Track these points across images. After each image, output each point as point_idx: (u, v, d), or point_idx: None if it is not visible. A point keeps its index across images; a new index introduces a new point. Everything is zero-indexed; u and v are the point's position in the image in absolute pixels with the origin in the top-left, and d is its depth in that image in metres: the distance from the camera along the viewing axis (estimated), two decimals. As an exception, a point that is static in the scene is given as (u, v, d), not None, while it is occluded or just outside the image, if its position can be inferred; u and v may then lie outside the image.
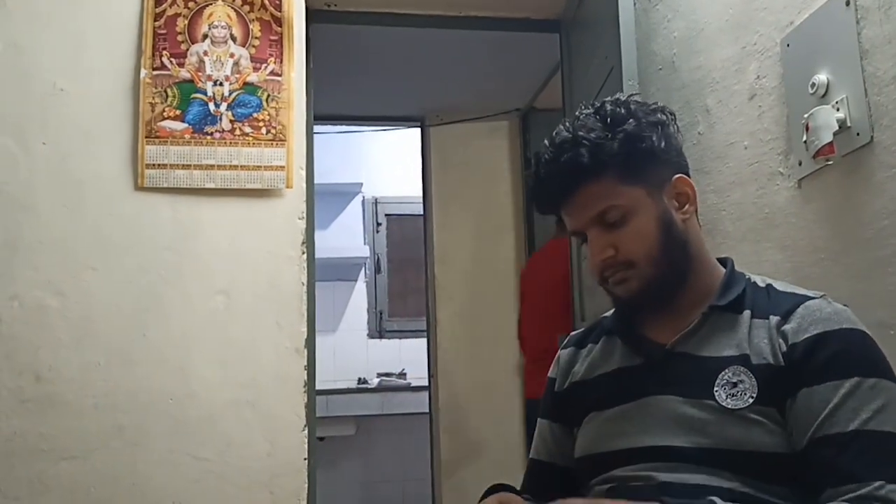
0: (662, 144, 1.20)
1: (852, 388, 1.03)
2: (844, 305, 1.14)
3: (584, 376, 1.30)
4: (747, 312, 1.16)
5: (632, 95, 1.24)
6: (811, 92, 1.60)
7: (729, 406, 1.08)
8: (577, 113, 1.22)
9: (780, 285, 1.20)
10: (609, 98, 1.22)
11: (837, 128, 1.52)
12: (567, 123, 1.20)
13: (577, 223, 1.21)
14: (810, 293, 1.15)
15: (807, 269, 1.67)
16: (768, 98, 1.81)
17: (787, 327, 1.10)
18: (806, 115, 1.59)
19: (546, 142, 1.21)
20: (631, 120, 1.18)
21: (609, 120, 1.18)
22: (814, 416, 1.03)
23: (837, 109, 1.53)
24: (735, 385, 1.09)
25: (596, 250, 1.19)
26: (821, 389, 1.04)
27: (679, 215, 1.21)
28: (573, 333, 1.41)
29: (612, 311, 1.33)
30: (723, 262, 1.27)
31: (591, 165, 1.15)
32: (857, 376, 1.03)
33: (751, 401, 1.08)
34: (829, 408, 1.03)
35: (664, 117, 1.22)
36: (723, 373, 1.11)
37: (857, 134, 1.50)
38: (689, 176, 1.25)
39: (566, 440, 1.31)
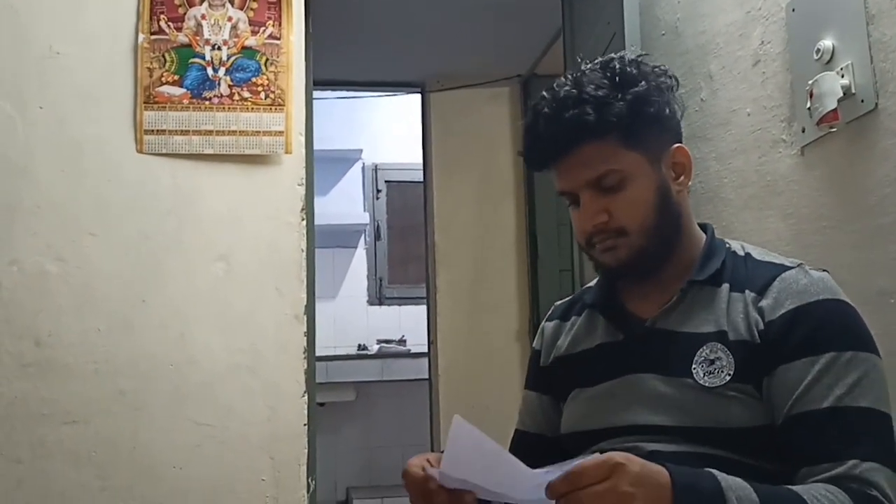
0: (667, 111, 1.16)
1: (828, 364, 1.02)
2: (823, 270, 1.12)
3: (567, 351, 1.29)
4: (726, 286, 1.14)
5: (640, 55, 1.19)
6: (816, 58, 1.58)
7: (706, 384, 1.08)
8: (582, 68, 1.16)
9: (757, 253, 1.18)
10: (616, 55, 1.17)
11: (842, 94, 1.51)
12: (571, 77, 1.14)
13: (570, 184, 1.16)
14: (787, 262, 1.14)
15: (809, 236, 1.66)
16: (772, 64, 1.79)
17: (763, 303, 1.09)
18: (810, 82, 1.58)
19: (546, 95, 1.15)
20: (642, 82, 1.13)
21: (618, 79, 1.12)
22: (789, 393, 1.03)
23: (842, 76, 1.52)
24: (712, 363, 1.09)
25: (588, 214, 1.15)
26: (797, 366, 1.04)
27: (675, 186, 1.17)
28: (557, 304, 1.39)
29: (595, 281, 1.30)
30: (703, 227, 1.24)
31: (596, 125, 1.10)
32: (833, 351, 1.02)
33: (728, 378, 1.07)
34: (804, 385, 1.02)
35: (670, 82, 1.17)
36: (700, 350, 1.10)
37: (862, 101, 1.48)
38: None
39: (555, 413, 1.30)
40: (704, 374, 1.08)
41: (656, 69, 1.18)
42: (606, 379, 1.19)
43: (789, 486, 0.98)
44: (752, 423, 1.05)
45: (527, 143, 1.18)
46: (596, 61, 1.17)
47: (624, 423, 1.14)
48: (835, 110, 1.52)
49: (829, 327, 1.05)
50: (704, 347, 1.10)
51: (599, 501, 0.86)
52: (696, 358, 1.10)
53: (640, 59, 1.17)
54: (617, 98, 1.11)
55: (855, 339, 1.05)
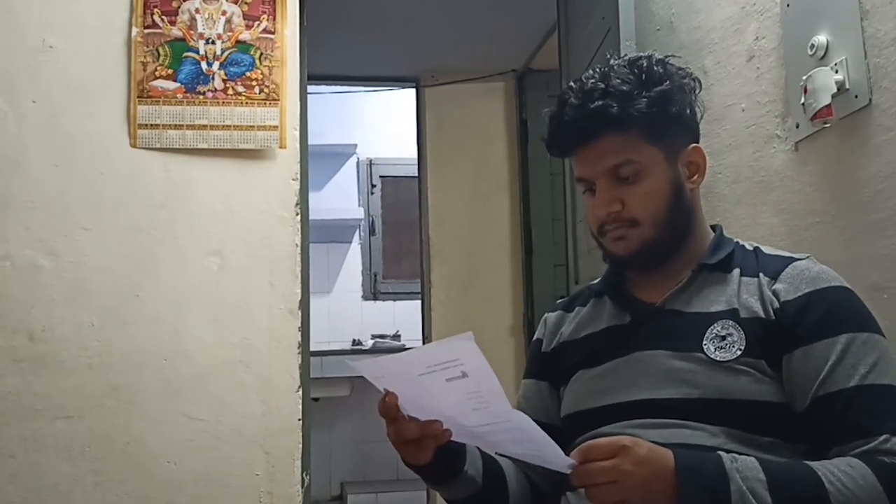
0: (687, 111, 1.22)
1: (847, 344, 1.06)
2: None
3: (571, 336, 1.31)
4: (736, 271, 1.18)
5: (667, 56, 1.24)
6: (810, 53, 1.58)
7: (717, 358, 1.11)
8: (610, 63, 1.22)
9: (767, 249, 1.23)
10: (645, 54, 1.23)
11: (836, 90, 1.51)
12: (598, 71, 1.20)
13: (588, 171, 1.21)
14: (796, 255, 1.19)
15: (802, 232, 1.67)
16: (767, 59, 1.79)
17: (777, 286, 1.13)
18: (804, 77, 1.58)
19: (573, 85, 1.21)
20: (666, 81, 1.18)
21: (644, 76, 1.18)
22: (814, 375, 1.06)
23: (836, 71, 1.52)
24: (724, 338, 1.12)
25: (602, 202, 1.19)
26: (817, 347, 1.07)
27: (688, 184, 1.22)
28: (559, 301, 1.42)
29: (599, 279, 1.34)
30: (712, 227, 1.30)
31: (619, 117, 1.15)
32: (849, 332, 1.07)
33: (738, 353, 1.10)
34: (828, 366, 1.06)
35: (693, 84, 1.24)
36: (712, 327, 1.13)
37: (856, 96, 1.48)
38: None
39: (552, 399, 1.32)
40: (716, 349, 1.12)
41: (681, 71, 1.23)
42: (611, 358, 1.22)
43: (805, 462, 1.01)
44: (760, 397, 1.08)
45: (551, 129, 1.24)
46: (624, 56, 1.23)
47: (626, 400, 1.16)
48: (829, 106, 1.52)
49: (843, 310, 1.10)
50: (716, 324, 1.13)
51: (602, 476, 0.95)
52: (707, 334, 1.13)
53: (666, 60, 1.22)
54: (641, 94, 1.16)
55: (868, 321, 1.10)
